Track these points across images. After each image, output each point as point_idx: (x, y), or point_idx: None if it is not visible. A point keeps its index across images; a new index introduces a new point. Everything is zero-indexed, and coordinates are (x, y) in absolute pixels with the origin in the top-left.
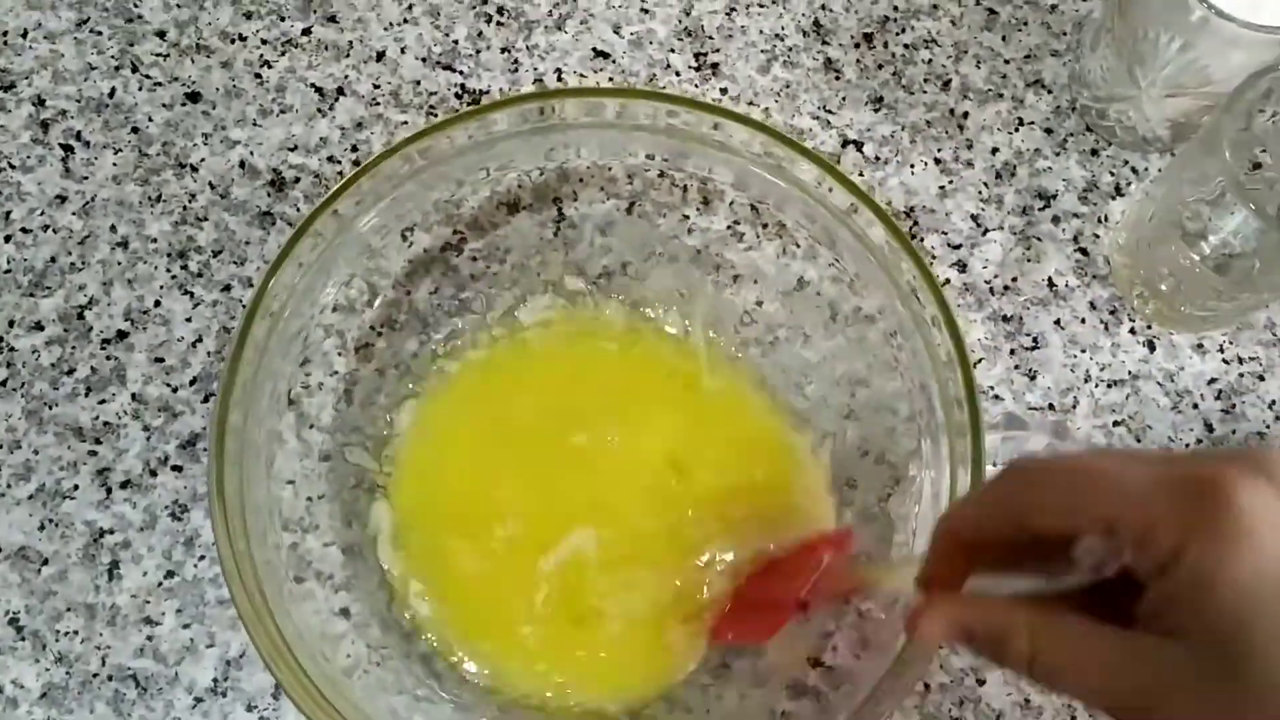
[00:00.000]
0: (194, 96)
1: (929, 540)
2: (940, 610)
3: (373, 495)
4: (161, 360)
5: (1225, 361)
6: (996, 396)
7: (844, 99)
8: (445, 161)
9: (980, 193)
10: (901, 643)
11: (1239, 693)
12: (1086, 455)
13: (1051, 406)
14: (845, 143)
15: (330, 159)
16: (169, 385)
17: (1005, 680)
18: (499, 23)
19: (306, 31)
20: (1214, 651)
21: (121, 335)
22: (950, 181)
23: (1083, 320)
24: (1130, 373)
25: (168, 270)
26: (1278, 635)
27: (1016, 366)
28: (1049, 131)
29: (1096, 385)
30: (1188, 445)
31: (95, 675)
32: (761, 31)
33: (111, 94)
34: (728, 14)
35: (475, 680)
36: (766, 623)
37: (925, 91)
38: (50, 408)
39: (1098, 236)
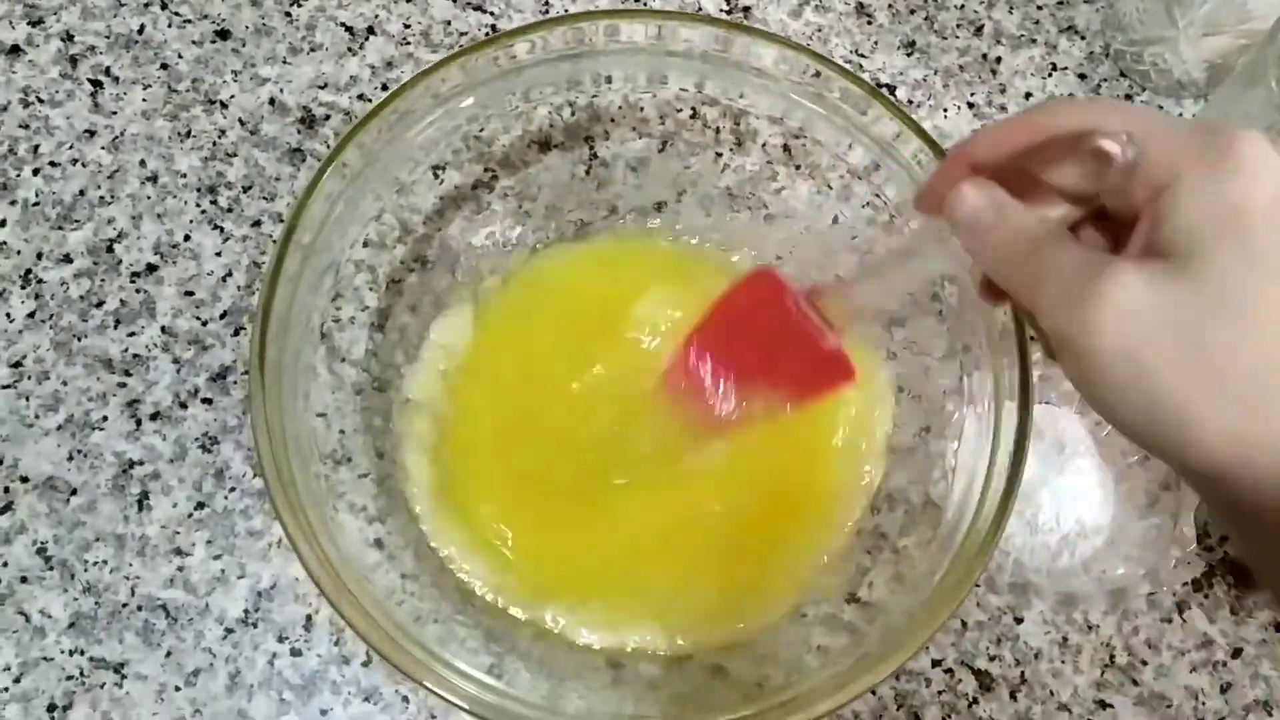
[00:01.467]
0: (223, 34)
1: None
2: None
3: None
4: (191, 294)
5: None
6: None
7: (876, 43)
8: (470, 91)
9: None
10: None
11: (1198, 302)
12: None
13: None
14: (879, 86)
15: (361, 97)
16: (199, 319)
17: (1044, 619)
18: None
19: None
20: (1192, 264)
21: (151, 269)
22: (984, 126)
23: None
24: None
25: (197, 205)
26: (1249, 259)
27: None
28: (1083, 77)
29: None
30: None
31: (124, 605)
32: None
33: (140, 30)
34: None
35: (512, 613)
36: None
37: (958, 37)
38: (79, 339)
39: None
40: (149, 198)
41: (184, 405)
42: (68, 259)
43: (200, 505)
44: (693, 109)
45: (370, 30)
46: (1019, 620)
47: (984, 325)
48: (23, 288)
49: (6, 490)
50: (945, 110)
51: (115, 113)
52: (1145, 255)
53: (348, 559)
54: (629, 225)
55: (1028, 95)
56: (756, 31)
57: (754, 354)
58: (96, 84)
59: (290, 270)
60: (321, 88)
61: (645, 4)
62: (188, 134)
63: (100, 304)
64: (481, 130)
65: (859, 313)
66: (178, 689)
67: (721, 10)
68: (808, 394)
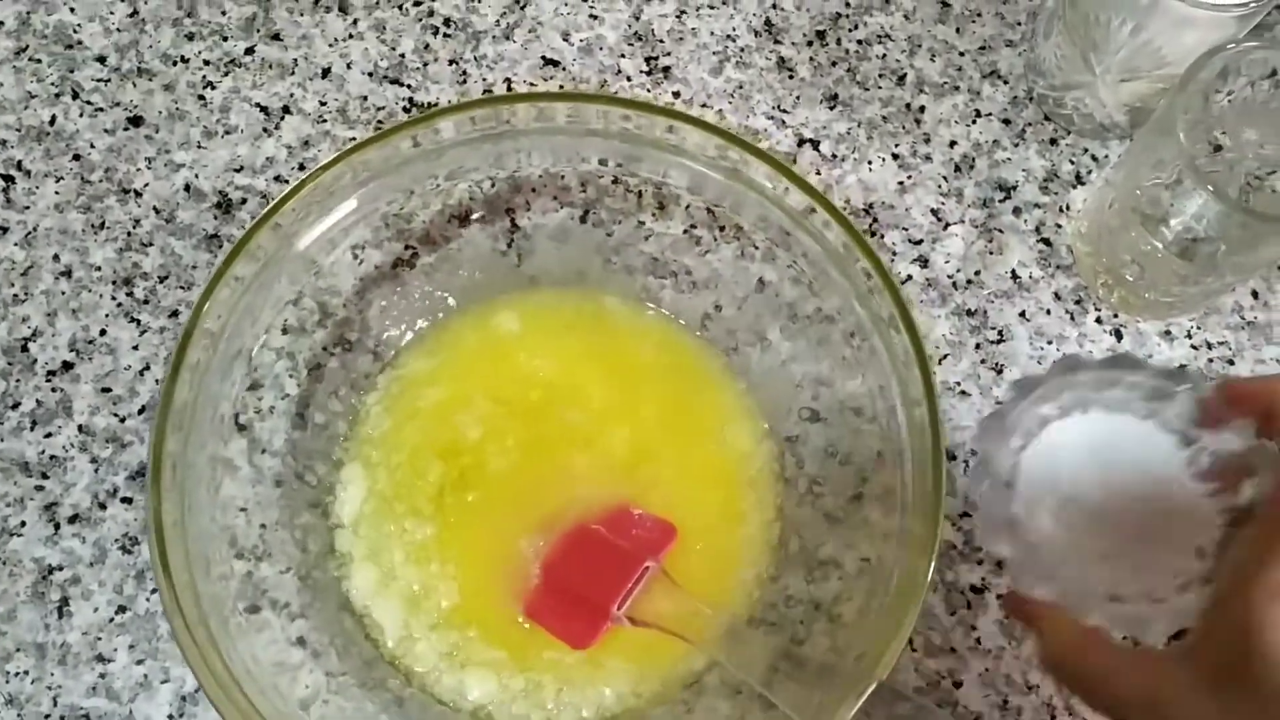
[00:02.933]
0: (136, 121)
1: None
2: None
3: (328, 517)
4: (109, 390)
5: (1194, 347)
6: (963, 392)
7: (798, 98)
8: (393, 171)
9: (940, 187)
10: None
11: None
12: None
13: None
14: (801, 141)
15: (277, 178)
16: (116, 415)
17: (982, 681)
18: (446, 34)
19: (250, 50)
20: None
21: (67, 366)
22: (909, 176)
23: (1048, 311)
24: None
25: (113, 298)
26: None
27: (983, 361)
28: (1007, 122)
29: None
30: None
31: (47, 717)
32: (713, 33)
33: (52, 121)
34: (678, 17)
35: (439, 703)
36: (580, 626)
37: (880, 87)
38: None
39: (1060, 226)
40: (63, 293)
41: (103, 506)
42: None
43: (121, 609)
44: (614, 177)
45: (285, 109)
46: (958, 684)
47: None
48: None
49: None
50: (870, 163)
51: (28, 207)
52: None
53: (260, 664)
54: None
55: (952, 144)
56: (670, 112)
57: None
58: (8, 179)
59: (193, 360)
60: (237, 170)
61: (562, 79)
62: (101, 225)
63: (16, 405)
64: (401, 208)
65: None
66: None
67: (642, 71)
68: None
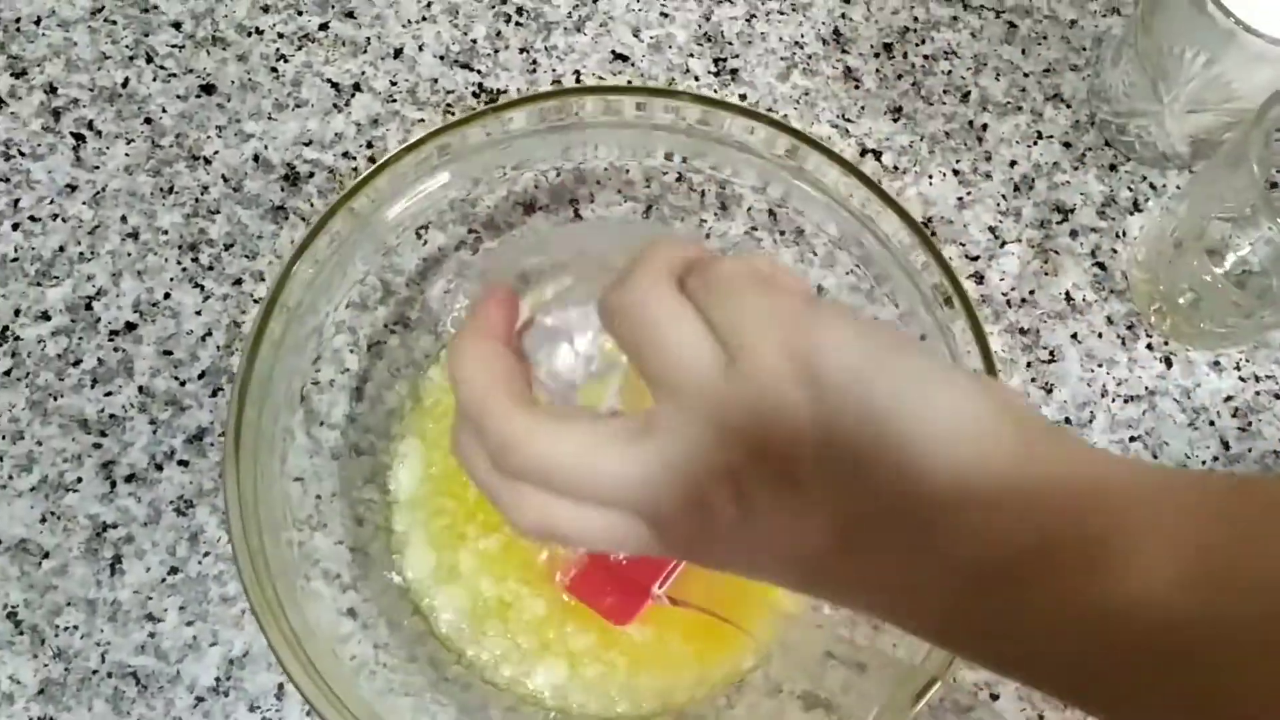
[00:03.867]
0: (209, 89)
1: None
2: (472, 343)
3: (385, 493)
4: (170, 353)
5: (1242, 379)
6: None
7: (863, 108)
8: (462, 159)
9: (998, 205)
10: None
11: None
12: None
13: (1069, 420)
14: (864, 152)
15: (345, 155)
16: (177, 379)
17: (1019, 696)
18: (518, 23)
19: (324, 26)
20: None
21: (130, 327)
22: (968, 193)
23: (1100, 335)
24: (1147, 389)
25: (178, 263)
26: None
27: (1033, 379)
28: (1067, 145)
29: (1113, 400)
30: (1204, 463)
31: (94, 672)
32: (781, 39)
33: (125, 84)
34: (748, 20)
35: (484, 681)
36: (621, 602)
37: (944, 103)
38: (55, 399)
39: (1115, 251)
40: (129, 255)
41: (160, 467)
42: (45, 316)
43: (173, 570)
44: (678, 174)
45: (356, 87)
46: (995, 697)
47: None
48: None
49: None
50: (930, 177)
51: (97, 167)
52: None
53: (317, 630)
54: None
55: (1013, 163)
56: (737, 108)
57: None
58: (79, 137)
59: (274, 333)
60: (306, 144)
61: (630, 75)
62: (170, 190)
63: (78, 363)
64: (468, 193)
65: None
66: None
67: (709, 72)
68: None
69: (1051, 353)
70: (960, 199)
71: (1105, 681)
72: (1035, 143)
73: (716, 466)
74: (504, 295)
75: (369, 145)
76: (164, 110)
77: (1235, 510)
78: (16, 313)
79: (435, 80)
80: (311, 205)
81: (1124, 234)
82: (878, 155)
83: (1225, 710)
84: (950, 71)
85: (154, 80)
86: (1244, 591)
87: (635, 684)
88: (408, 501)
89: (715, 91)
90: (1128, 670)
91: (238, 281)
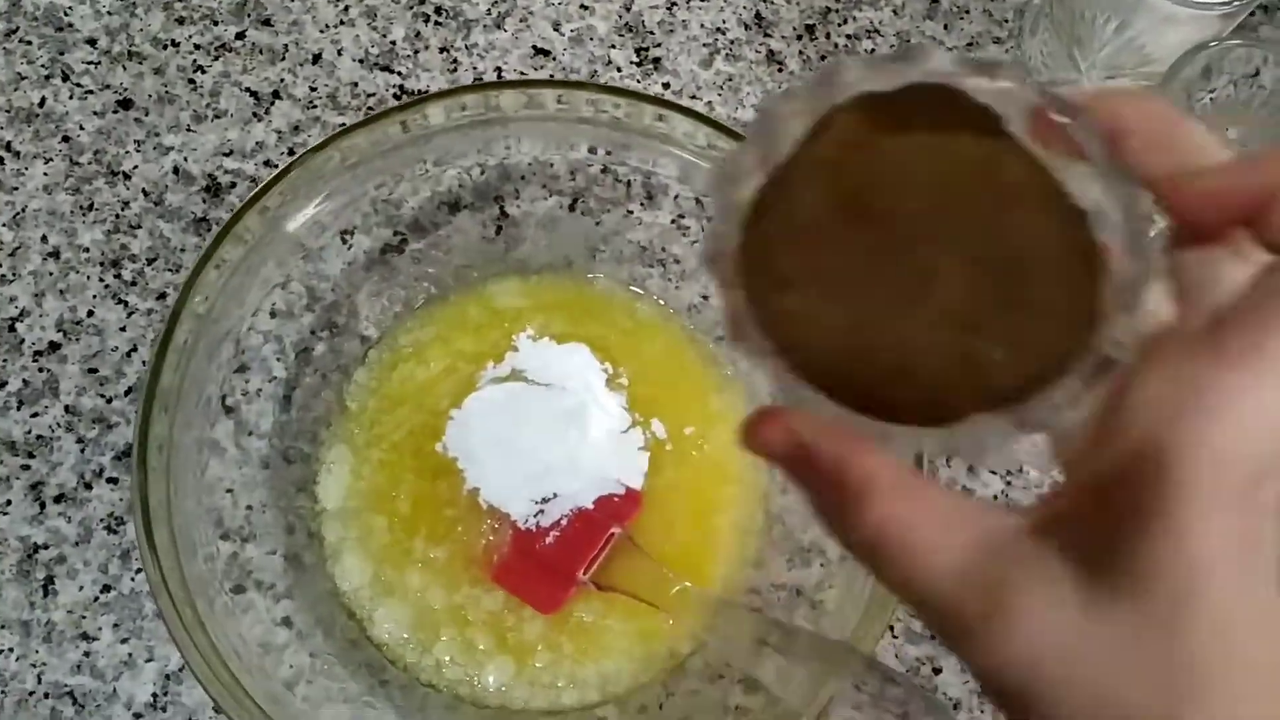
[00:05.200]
0: (126, 104)
1: None
2: (787, 418)
3: (315, 500)
4: (95, 371)
5: None
6: None
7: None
8: (379, 157)
9: None
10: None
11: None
12: None
13: None
14: None
15: (267, 163)
16: (103, 396)
17: (960, 669)
18: (437, 22)
19: (240, 35)
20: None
21: (54, 346)
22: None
23: None
24: None
25: (101, 279)
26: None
27: None
28: None
29: None
30: None
31: (31, 693)
32: (703, 25)
33: (42, 103)
34: (668, 9)
35: (423, 683)
36: (546, 591)
37: None
38: None
39: None
40: (51, 274)
41: (89, 486)
42: None
43: (106, 589)
44: (603, 166)
45: (275, 95)
46: (937, 671)
47: None
48: None
49: None
50: None
51: (16, 188)
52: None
53: (241, 646)
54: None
55: None
56: (660, 101)
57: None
58: None
59: (180, 340)
60: (227, 155)
61: (552, 69)
62: (90, 207)
63: (2, 384)
64: (390, 193)
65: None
66: None
67: (632, 63)
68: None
69: None
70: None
71: None
72: None
73: None
74: None
75: (290, 153)
76: (81, 127)
77: None
78: None
79: (356, 84)
80: None
81: None
82: None
83: None
84: (874, 50)
85: (70, 98)
86: None
87: (581, 672)
88: (337, 512)
89: (639, 82)
90: None
91: (161, 296)
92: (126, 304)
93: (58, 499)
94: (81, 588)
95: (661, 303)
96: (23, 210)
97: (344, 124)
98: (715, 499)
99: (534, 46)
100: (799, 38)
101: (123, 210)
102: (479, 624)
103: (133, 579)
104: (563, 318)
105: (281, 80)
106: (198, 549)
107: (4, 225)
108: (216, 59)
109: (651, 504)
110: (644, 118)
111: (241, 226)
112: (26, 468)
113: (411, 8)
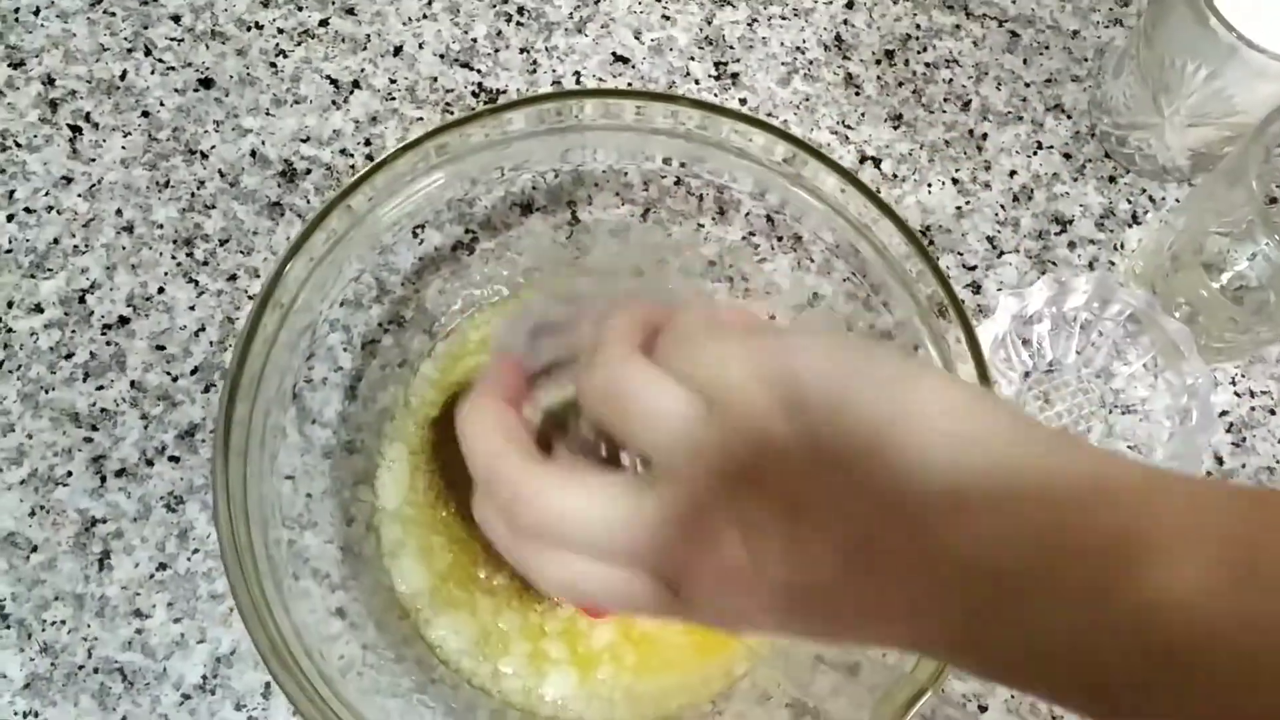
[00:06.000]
0: (207, 83)
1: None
2: (482, 407)
3: (376, 495)
4: (163, 348)
5: (1237, 394)
6: None
7: (863, 115)
8: (461, 159)
9: (997, 215)
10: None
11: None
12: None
13: (1065, 430)
14: (863, 159)
15: (343, 151)
16: (169, 374)
17: (1008, 708)
18: (519, 22)
19: (324, 23)
20: None
21: (123, 321)
22: (967, 202)
23: (1097, 347)
24: (1142, 399)
25: (173, 257)
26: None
27: (1030, 389)
28: (1067, 156)
29: (1111, 411)
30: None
31: (81, 667)
32: (783, 43)
33: (123, 76)
34: (749, 25)
35: (472, 685)
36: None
37: (945, 111)
38: (46, 391)
39: (1113, 264)
40: (124, 248)
41: (150, 463)
42: (38, 309)
43: (162, 566)
44: (676, 178)
45: (355, 84)
46: (983, 709)
47: None
48: None
49: None
50: (929, 185)
51: (93, 159)
52: None
53: (304, 630)
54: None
55: (1012, 173)
56: (736, 114)
57: None
58: (75, 129)
59: (267, 329)
60: (304, 141)
61: (630, 77)
62: (166, 184)
63: (69, 355)
64: (466, 192)
65: None
66: None
67: (710, 76)
68: None
69: (1049, 364)
70: (959, 208)
71: (1133, 686)
72: (1035, 153)
73: (718, 510)
74: (511, 361)
75: (367, 143)
76: (162, 104)
77: (1256, 512)
78: (9, 305)
79: (435, 79)
80: (308, 202)
81: (1122, 246)
82: (877, 163)
83: (1256, 708)
84: (951, 80)
85: (152, 73)
86: (1272, 590)
87: (638, 686)
88: (395, 513)
89: (715, 96)
90: (1156, 672)
91: (232, 277)
92: (197, 283)
93: (119, 473)
94: (137, 564)
95: None
96: (99, 182)
97: (421, 118)
98: None
99: (613, 53)
100: (877, 62)
101: (198, 189)
102: (552, 635)
103: (189, 559)
104: None
105: (362, 70)
106: (268, 531)
107: (80, 196)
108: (299, 44)
109: None
110: (721, 130)
111: (330, 220)
112: (89, 440)
113: (494, 6)
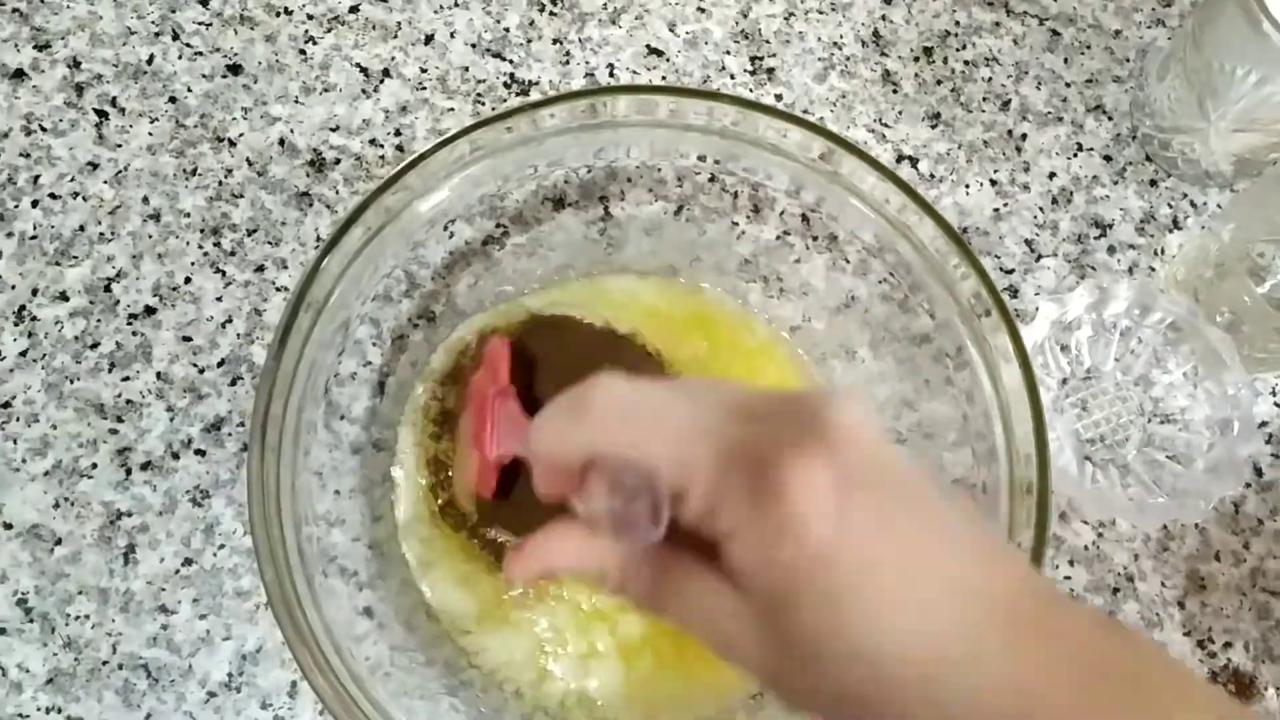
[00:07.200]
0: (235, 69)
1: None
2: (529, 554)
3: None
4: (189, 339)
5: (1277, 405)
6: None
7: (900, 113)
8: (495, 155)
9: (1035, 217)
10: None
11: (787, 655)
12: (670, 390)
13: (1103, 439)
14: (900, 158)
15: (373, 142)
16: (196, 366)
17: None
18: (552, 13)
19: (354, 9)
20: (770, 618)
21: (149, 311)
22: (1005, 204)
23: (1137, 355)
24: (1181, 409)
25: (200, 247)
26: (816, 609)
27: (1067, 396)
28: (1108, 159)
29: (1150, 420)
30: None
31: (105, 663)
32: (820, 39)
33: (150, 61)
34: (786, 19)
35: (500, 688)
36: (479, 472)
37: (984, 110)
38: (71, 382)
39: (1153, 269)
40: (150, 236)
41: (176, 456)
42: (64, 297)
43: (188, 561)
44: (711, 175)
45: (386, 73)
46: None
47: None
48: (15, 325)
49: None
50: (967, 186)
51: (120, 145)
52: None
53: (333, 627)
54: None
55: (1052, 175)
56: (773, 111)
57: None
58: (102, 114)
59: (302, 327)
60: (333, 130)
61: (664, 70)
62: (193, 171)
63: (95, 345)
64: (498, 187)
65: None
66: None
67: (745, 70)
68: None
69: (1088, 371)
70: (997, 210)
71: None
72: (1075, 155)
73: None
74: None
75: (397, 133)
76: (189, 89)
77: None
78: (34, 292)
79: (466, 69)
80: (337, 193)
81: (1162, 251)
82: (914, 162)
83: None
84: (991, 79)
85: (179, 58)
86: None
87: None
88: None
89: (751, 91)
90: None
91: (260, 268)
92: (224, 274)
93: (144, 466)
94: (163, 559)
95: (767, 319)
96: (125, 169)
97: (452, 109)
98: None
99: (648, 46)
100: (915, 59)
101: (226, 177)
102: (594, 625)
103: (215, 554)
104: (669, 326)
105: (392, 58)
106: (300, 527)
107: (105, 182)
108: (329, 31)
109: None
110: (757, 127)
111: (368, 213)
112: (114, 432)
113: None
